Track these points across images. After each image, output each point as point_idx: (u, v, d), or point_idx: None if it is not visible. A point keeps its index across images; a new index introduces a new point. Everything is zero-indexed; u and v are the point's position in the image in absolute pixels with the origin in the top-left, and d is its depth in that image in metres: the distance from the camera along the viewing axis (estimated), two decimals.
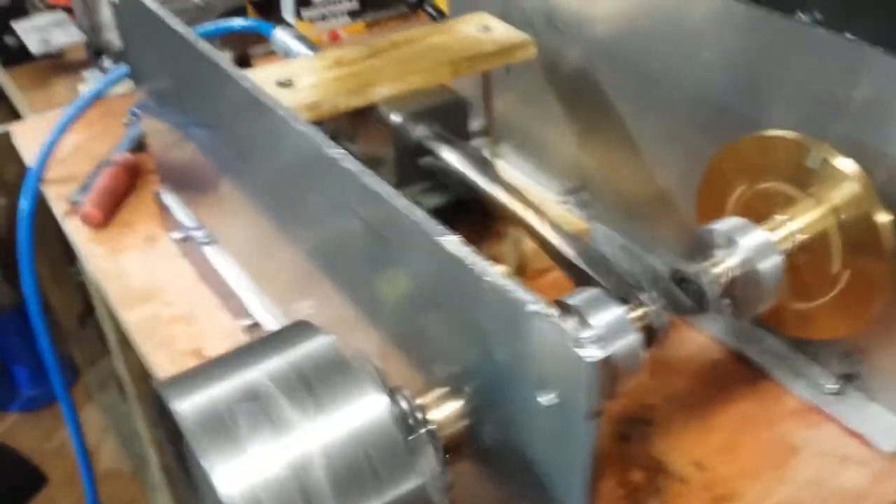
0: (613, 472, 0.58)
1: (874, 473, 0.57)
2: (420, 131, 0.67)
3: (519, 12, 0.78)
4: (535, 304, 0.34)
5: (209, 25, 0.88)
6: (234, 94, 0.55)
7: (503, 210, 0.63)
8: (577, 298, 0.49)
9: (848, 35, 0.55)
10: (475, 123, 0.76)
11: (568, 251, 0.55)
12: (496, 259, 0.71)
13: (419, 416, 0.39)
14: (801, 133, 0.56)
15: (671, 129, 0.69)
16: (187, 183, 0.76)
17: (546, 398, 0.34)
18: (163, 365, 0.67)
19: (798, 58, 0.57)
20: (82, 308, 1.46)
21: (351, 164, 0.43)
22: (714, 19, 0.63)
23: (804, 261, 0.56)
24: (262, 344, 0.38)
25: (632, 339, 0.48)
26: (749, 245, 0.53)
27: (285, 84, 0.66)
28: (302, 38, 0.82)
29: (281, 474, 0.32)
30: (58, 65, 1.15)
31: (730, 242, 0.54)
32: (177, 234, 0.77)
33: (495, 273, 0.35)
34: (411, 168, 0.68)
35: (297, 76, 0.67)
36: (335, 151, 0.44)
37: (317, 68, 0.68)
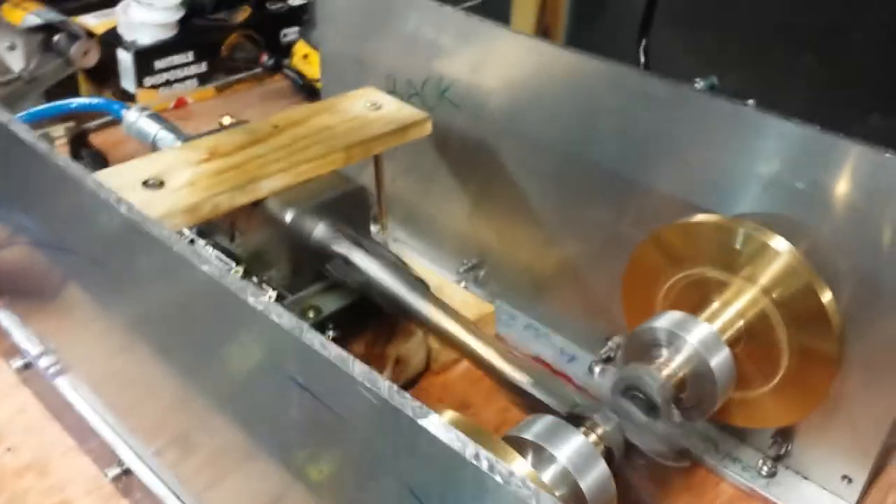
0: None
1: None
2: (321, 231, 0.60)
3: (405, 85, 0.72)
4: None
5: (41, 106, 0.77)
6: (98, 215, 0.46)
7: (428, 325, 0.57)
8: (532, 432, 0.44)
9: (748, 102, 0.54)
10: None
11: (515, 375, 0.50)
12: (404, 358, 0.66)
13: None
14: (720, 215, 0.54)
15: (568, 199, 0.66)
16: (24, 292, 0.64)
17: None
18: None
19: (693, 125, 0.56)
20: None
21: (287, 319, 0.35)
22: (606, 86, 0.61)
23: (746, 348, 0.54)
24: None
25: (601, 469, 0.43)
26: (695, 340, 0.50)
27: (155, 185, 0.57)
28: (160, 119, 0.73)
29: None
30: None
31: (674, 339, 0.50)
32: (17, 362, 0.64)
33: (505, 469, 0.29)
34: (306, 269, 0.61)
35: (168, 174, 0.58)
36: (261, 302, 0.36)
37: (189, 161, 0.60)
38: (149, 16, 1.02)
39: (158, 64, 1.04)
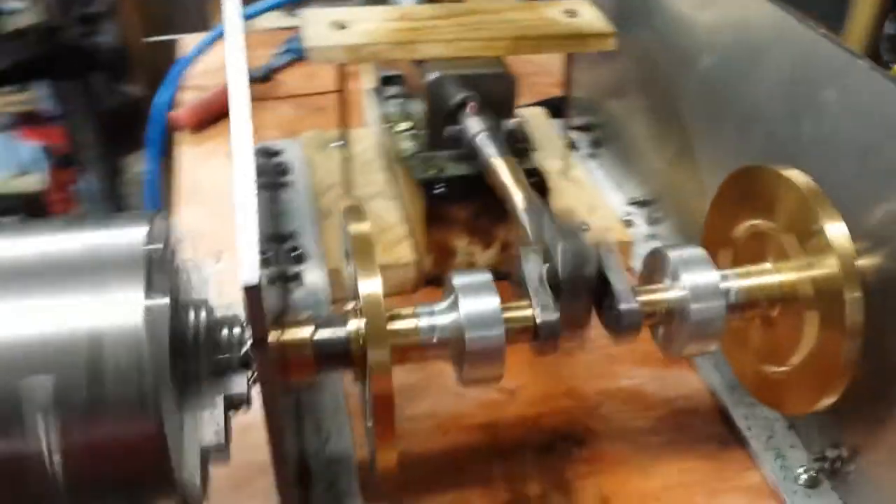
0: (510, 481, 0.54)
1: None
2: (456, 98, 0.66)
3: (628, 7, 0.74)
4: None
5: None
6: None
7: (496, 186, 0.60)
8: (463, 280, 0.46)
9: None
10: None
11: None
12: (512, 244, 0.69)
13: None
14: (818, 189, 0.48)
15: (731, 154, 0.62)
16: None
17: None
18: None
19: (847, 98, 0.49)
20: None
21: None
22: (774, 39, 0.56)
23: (773, 319, 0.49)
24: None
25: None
26: (691, 283, 0.47)
27: (340, 25, 0.67)
28: None
29: None
30: None
31: (675, 275, 0.48)
32: None
33: None
34: (441, 131, 0.67)
35: (356, 21, 0.68)
36: None
37: (379, 17, 0.69)
38: None
39: None
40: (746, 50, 0.59)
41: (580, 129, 0.88)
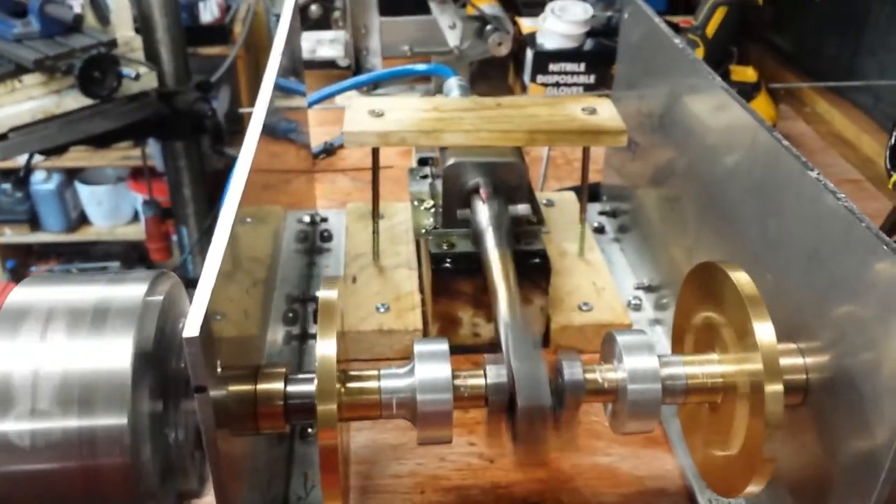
0: None
1: None
2: (470, 182, 0.72)
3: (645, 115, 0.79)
4: None
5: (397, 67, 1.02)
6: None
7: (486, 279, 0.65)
8: (422, 348, 0.51)
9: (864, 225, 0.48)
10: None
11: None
12: None
13: None
14: (755, 292, 0.50)
15: (718, 249, 0.66)
16: None
17: None
18: None
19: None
20: None
21: None
22: (749, 145, 0.60)
23: (721, 409, 0.52)
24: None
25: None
26: (631, 367, 0.51)
27: (377, 114, 0.75)
28: (465, 89, 0.91)
29: None
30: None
31: (620, 357, 0.52)
32: None
33: None
34: (456, 211, 0.74)
35: (391, 110, 0.76)
36: None
37: (413, 108, 0.77)
38: (557, 26, 1.21)
39: (553, 67, 1.22)
40: (729, 154, 0.63)
41: (609, 213, 0.92)
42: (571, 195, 0.93)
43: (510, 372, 0.50)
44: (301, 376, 0.50)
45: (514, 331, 0.55)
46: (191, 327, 0.37)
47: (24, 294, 0.45)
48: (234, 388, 0.45)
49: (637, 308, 0.79)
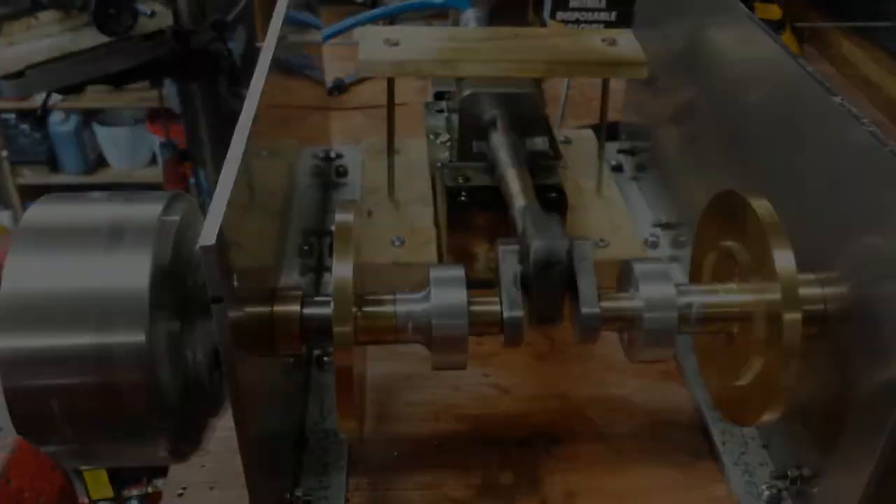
0: (485, 468, 0.59)
1: None
2: (487, 114, 0.71)
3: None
4: None
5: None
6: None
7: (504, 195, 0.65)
8: (438, 273, 0.51)
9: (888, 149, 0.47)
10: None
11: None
12: None
13: None
14: (775, 219, 0.50)
15: (739, 183, 0.65)
16: None
17: None
18: None
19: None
20: None
21: None
22: (768, 69, 0.59)
23: (737, 339, 0.52)
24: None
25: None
26: (647, 295, 0.51)
27: (392, 43, 0.74)
28: (482, 21, 0.89)
29: None
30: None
31: (636, 286, 0.51)
32: None
33: None
34: (471, 144, 0.73)
35: (407, 39, 0.75)
36: None
37: (428, 37, 0.75)
38: None
39: (573, 3, 1.19)
40: (753, 87, 0.62)
41: (627, 152, 0.91)
42: (589, 134, 0.92)
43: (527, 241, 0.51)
44: (318, 299, 0.51)
45: (530, 211, 0.55)
46: (207, 236, 0.37)
47: (40, 212, 0.45)
48: (250, 308, 0.45)
49: (654, 245, 0.79)
